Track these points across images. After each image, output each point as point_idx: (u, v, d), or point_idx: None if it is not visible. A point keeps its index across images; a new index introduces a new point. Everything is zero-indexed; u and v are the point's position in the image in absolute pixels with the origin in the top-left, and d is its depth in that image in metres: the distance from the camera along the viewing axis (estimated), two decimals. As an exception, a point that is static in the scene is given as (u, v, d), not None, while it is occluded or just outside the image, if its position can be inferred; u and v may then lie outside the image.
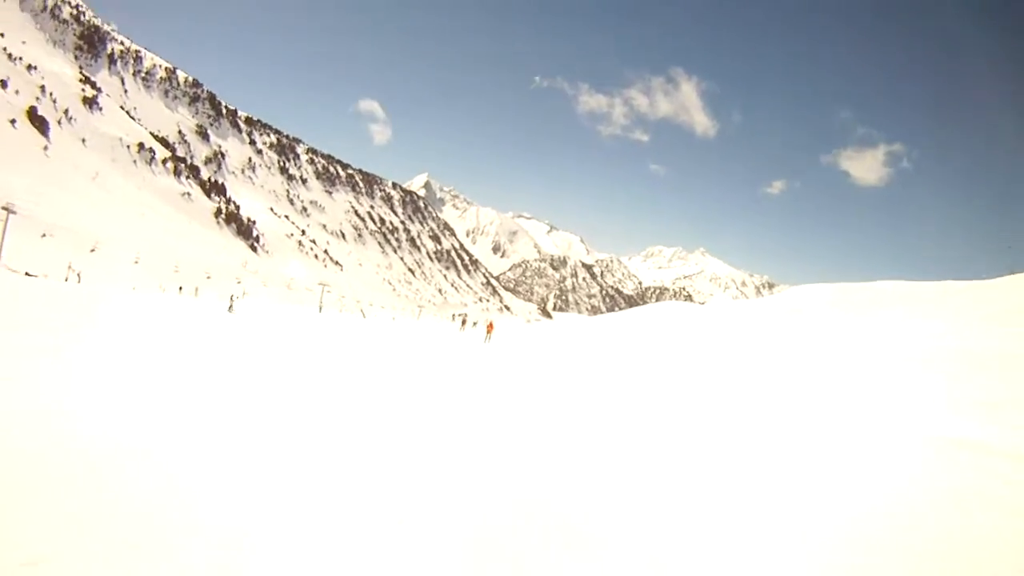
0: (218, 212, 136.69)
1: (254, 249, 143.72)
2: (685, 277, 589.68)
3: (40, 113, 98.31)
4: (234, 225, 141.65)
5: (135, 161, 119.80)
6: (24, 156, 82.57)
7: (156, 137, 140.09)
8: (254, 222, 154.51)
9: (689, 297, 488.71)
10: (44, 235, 68.25)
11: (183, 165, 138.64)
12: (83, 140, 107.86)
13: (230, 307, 27.03)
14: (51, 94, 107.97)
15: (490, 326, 26.30)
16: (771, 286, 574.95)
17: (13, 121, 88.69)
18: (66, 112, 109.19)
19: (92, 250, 71.98)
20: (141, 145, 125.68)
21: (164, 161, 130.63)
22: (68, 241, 69.23)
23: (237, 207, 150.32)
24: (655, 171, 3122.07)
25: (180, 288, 62.66)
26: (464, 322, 38.28)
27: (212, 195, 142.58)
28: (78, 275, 54.60)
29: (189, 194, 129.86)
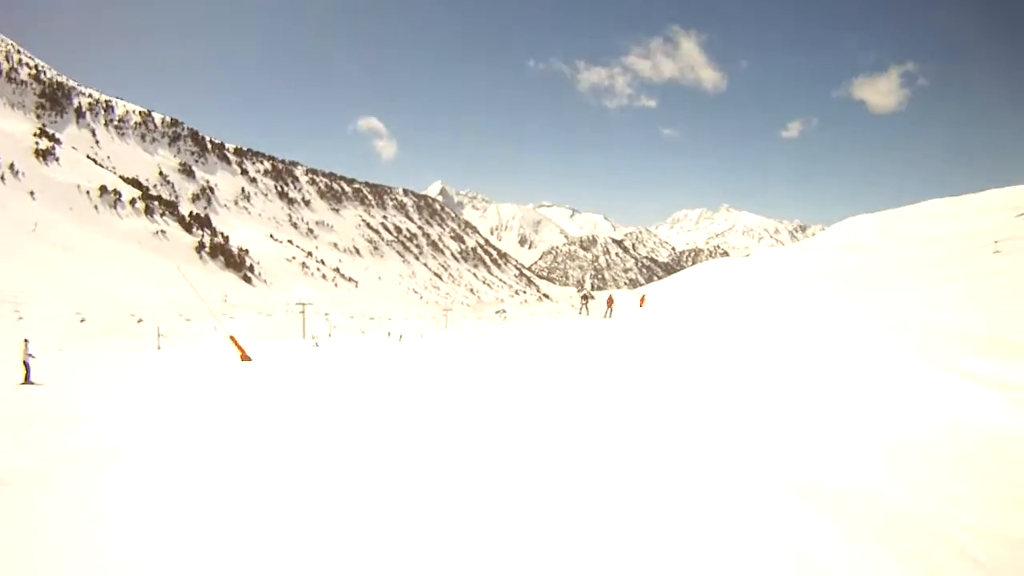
0: (200, 246, 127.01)
1: (248, 280, 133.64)
2: (717, 235, 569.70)
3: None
4: (222, 258, 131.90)
5: (96, 207, 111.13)
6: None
7: (126, 180, 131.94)
8: (246, 251, 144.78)
9: (725, 254, 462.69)
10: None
11: (156, 203, 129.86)
12: (31, 193, 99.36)
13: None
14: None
15: (609, 300, 24.85)
16: (803, 228, 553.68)
17: (-70, 183, 79.81)
18: (11, 167, 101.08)
19: (20, 318, 60.96)
20: (104, 189, 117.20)
21: (132, 202, 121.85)
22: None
23: (225, 238, 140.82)
24: (668, 135, 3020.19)
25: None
26: (586, 300, 30.40)
27: (193, 230, 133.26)
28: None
29: (163, 231, 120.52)
